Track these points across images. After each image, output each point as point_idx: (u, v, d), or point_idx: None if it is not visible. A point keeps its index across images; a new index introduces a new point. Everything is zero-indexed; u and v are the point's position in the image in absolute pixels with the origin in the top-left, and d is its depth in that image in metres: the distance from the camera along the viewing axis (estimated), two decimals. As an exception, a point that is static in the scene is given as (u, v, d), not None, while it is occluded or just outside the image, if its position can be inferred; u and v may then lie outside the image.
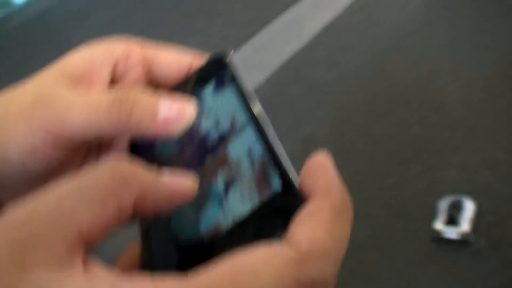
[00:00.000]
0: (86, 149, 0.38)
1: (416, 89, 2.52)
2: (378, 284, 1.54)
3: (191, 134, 0.34)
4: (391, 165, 2.01)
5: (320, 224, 0.23)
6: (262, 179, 0.29)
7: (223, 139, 0.32)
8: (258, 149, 0.30)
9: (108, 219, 0.22)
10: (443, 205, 1.49)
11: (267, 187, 0.28)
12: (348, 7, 3.45)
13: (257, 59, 3.27)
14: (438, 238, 1.48)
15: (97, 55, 0.37)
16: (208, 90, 0.36)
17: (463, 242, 1.43)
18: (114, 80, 0.38)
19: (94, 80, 0.36)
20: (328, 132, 2.39)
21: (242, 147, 0.31)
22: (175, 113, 0.32)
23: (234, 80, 0.35)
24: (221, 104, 0.34)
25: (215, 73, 0.36)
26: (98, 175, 0.23)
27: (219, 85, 0.36)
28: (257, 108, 0.33)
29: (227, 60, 0.37)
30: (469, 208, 1.44)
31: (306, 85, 2.79)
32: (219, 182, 0.30)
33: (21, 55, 3.34)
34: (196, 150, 0.33)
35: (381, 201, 1.80)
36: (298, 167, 0.28)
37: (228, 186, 0.30)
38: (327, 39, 3.15)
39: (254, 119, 0.32)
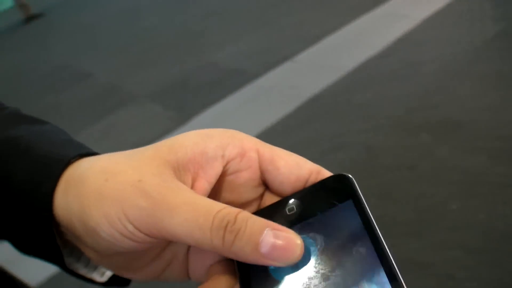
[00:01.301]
0: None
1: (483, 117, 2.55)
2: None
3: (304, 262, 0.31)
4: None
5: None
6: None
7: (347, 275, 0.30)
8: None
9: None
10: None
11: None
12: (426, 20, 3.47)
13: (328, 61, 3.34)
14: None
15: (210, 144, 0.34)
16: (330, 214, 0.33)
17: None
18: (225, 175, 0.36)
19: (203, 173, 0.34)
20: (389, 143, 2.44)
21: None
22: (279, 247, 0.30)
23: (358, 206, 0.33)
24: (342, 232, 0.32)
25: (339, 196, 0.34)
26: None
27: (343, 211, 0.33)
28: (384, 246, 0.30)
29: (352, 184, 0.34)
30: None
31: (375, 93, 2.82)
32: None
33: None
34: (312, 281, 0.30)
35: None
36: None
37: None
38: (398, 52, 3.19)
39: (381, 257, 0.29)
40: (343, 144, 2.55)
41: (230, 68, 3.73)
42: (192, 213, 0.30)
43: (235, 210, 0.31)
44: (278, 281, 0.31)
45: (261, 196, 0.38)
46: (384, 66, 3.13)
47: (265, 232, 0.30)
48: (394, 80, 2.96)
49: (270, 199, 0.37)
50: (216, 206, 0.31)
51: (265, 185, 0.38)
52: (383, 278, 0.28)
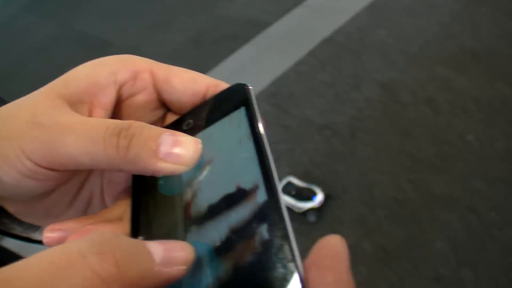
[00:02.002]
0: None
1: (500, 46, 2.50)
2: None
3: (195, 174, 0.31)
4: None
5: None
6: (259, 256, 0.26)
7: (229, 188, 0.29)
8: (264, 211, 0.27)
9: None
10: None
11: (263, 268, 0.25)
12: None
13: (340, 2, 3.27)
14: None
15: (102, 72, 0.34)
16: (222, 124, 0.33)
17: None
18: (121, 101, 0.35)
19: (98, 101, 0.34)
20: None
21: (248, 207, 0.28)
22: (178, 150, 0.28)
23: (250, 119, 0.32)
24: (234, 143, 0.32)
25: (232, 107, 0.34)
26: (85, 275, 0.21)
27: (234, 120, 0.33)
28: (269, 162, 0.29)
29: (248, 94, 0.34)
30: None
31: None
32: (221, 241, 0.28)
33: None
34: (199, 195, 0.30)
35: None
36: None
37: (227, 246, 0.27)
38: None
39: (262, 163, 0.29)
40: (358, 83, 2.52)
41: (242, 20, 3.69)
42: (84, 129, 0.29)
43: (129, 120, 0.30)
44: (167, 196, 0.31)
45: (163, 119, 0.38)
46: (395, 2, 3.06)
47: (163, 135, 0.29)
48: (406, 16, 2.89)
49: (172, 120, 0.37)
50: (109, 120, 0.30)
51: (166, 107, 0.37)
52: (259, 181, 0.28)
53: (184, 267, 0.24)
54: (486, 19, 2.68)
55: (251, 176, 0.29)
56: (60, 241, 0.31)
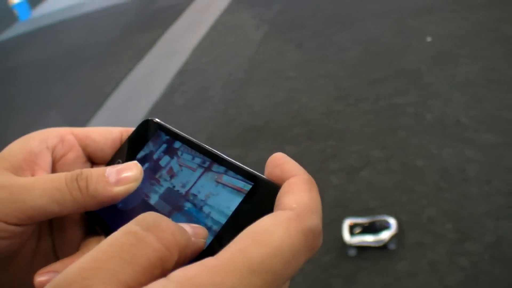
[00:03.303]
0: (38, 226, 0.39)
1: (281, 109, 2.66)
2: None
3: (145, 183, 0.38)
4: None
5: (301, 192, 0.28)
6: (233, 187, 0.33)
7: (176, 178, 0.37)
8: (217, 170, 0.34)
9: (154, 279, 0.24)
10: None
11: (240, 190, 0.32)
12: (194, 51, 3.57)
13: (120, 117, 3.26)
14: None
15: (33, 143, 0.39)
16: (148, 149, 0.40)
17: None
18: (55, 162, 0.40)
19: (37, 166, 0.38)
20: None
21: (203, 178, 0.35)
22: (124, 174, 0.35)
23: (169, 133, 0.40)
24: (166, 156, 0.39)
25: (148, 135, 0.41)
26: (147, 241, 0.25)
27: (157, 143, 0.40)
28: (198, 142, 0.37)
29: (155, 121, 0.42)
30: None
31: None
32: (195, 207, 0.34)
33: None
34: (159, 196, 0.37)
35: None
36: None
37: (203, 206, 0.33)
38: (182, 86, 3.22)
39: (202, 151, 0.36)
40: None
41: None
42: (46, 182, 0.34)
43: (76, 170, 0.35)
44: (129, 209, 0.37)
45: None
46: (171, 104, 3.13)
47: (107, 169, 0.35)
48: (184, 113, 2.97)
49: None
50: (61, 173, 0.35)
51: (91, 161, 0.43)
52: (202, 159, 0.36)
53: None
54: (256, 96, 2.84)
55: (196, 160, 0.36)
56: None
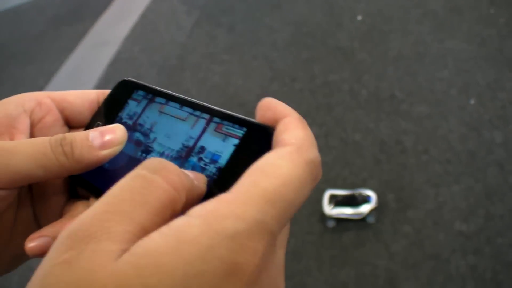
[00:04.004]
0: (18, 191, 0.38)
1: (217, 93, 2.63)
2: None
3: (129, 141, 0.38)
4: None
5: (296, 129, 0.30)
6: (226, 134, 0.33)
7: (166, 134, 0.37)
8: (206, 119, 0.35)
9: (166, 220, 0.25)
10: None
11: (233, 136, 0.33)
12: (126, 39, 3.49)
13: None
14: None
15: (10, 106, 0.38)
16: (128, 109, 0.40)
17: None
18: (33, 125, 0.40)
19: (15, 130, 0.38)
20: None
21: (192, 127, 0.36)
22: (108, 137, 0.34)
23: (147, 90, 0.40)
24: (150, 112, 0.39)
25: (125, 95, 0.41)
26: (157, 184, 0.26)
27: (136, 101, 0.40)
28: (178, 95, 0.38)
29: (131, 80, 0.42)
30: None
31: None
32: (192, 159, 0.34)
33: None
34: (147, 151, 0.37)
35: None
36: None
37: (200, 154, 0.34)
38: (115, 75, 3.14)
39: (186, 103, 0.37)
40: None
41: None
42: (30, 147, 0.33)
43: (59, 134, 0.35)
44: (118, 169, 0.37)
45: None
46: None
47: (90, 133, 0.34)
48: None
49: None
50: (43, 137, 0.34)
51: (70, 126, 0.42)
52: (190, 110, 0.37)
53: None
54: (192, 81, 2.79)
55: (182, 113, 0.37)
56: (45, 248, 0.34)
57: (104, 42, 3.68)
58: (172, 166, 0.27)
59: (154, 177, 0.26)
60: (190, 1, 3.73)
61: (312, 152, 0.28)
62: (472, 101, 2.11)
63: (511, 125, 1.97)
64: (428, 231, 1.67)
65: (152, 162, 0.27)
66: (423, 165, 1.89)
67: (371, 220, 1.77)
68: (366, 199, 1.79)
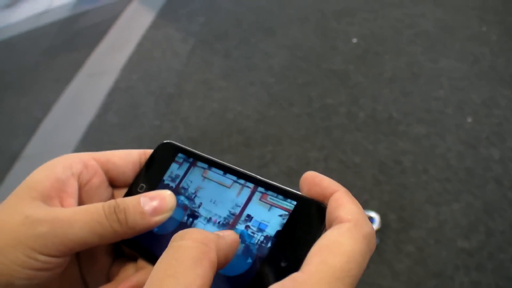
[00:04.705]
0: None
1: (215, 119, 2.65)
2: None
3: (181, 208, 0.39)
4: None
5: (349, 204, 0.32)
6: (271, 203, 0.35)
7: (214, 202, 0.38)
8: (251, 188, 0.37)
9: (206, 271, 0.29)
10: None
11: (281, 207, 0.35)
12: (123, 68, 3.51)
13: (55, 140, 3.16)
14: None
15: (58, 170, 0.39)
16: (170, 171, 0.42)
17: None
18: (81, 187, 0.40)
19: (65, 194, 0.38)
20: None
21: (236, 197, 0.37)
22: (158, 203, 0.36)
23: (189, 154, 0.41)
24: (193, 176, 0.40)
25: (167, 158, 0.43)
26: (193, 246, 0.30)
27: (179, 165, 0.41)
28: (226, 164, 0.39)
29: (172, 143, 0.43)
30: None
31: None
32: (238, 227, 0.36)
33: None
34: (196, 219, 0.38)
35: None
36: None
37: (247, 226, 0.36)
38: (114, 105, 3.16)
39: (229, 171, 0.38)
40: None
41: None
42: (85, 216, 0.35)
43: (111, 200, 0.36)
44: (167, 234, 0.38)
45: (113, 195, 0.44)
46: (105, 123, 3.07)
47: (141, 199, 0.36)
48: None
49: (123, 192, 0.44)
50: (97, 204, 0.36)
51: (113, 185, 0.43)
52: (232, 180, 0.38)
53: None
54: (190, 109, 2.82)
55: (227, 180, 0.38)
56: None
57: (101, 71, 3.71)
58: (193, 229, 0.31)
59: (181, 242, 0.30)
60: (184, 28, 3.77)
61: (367, 226, 0.31)
62: (470, 119, 2.14)
63: (507, 142, 2.00)
64: (430, 249, 1.68)
65: (177, 234, 0.31)
66: (423, 184, 1.91)
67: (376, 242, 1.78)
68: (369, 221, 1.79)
